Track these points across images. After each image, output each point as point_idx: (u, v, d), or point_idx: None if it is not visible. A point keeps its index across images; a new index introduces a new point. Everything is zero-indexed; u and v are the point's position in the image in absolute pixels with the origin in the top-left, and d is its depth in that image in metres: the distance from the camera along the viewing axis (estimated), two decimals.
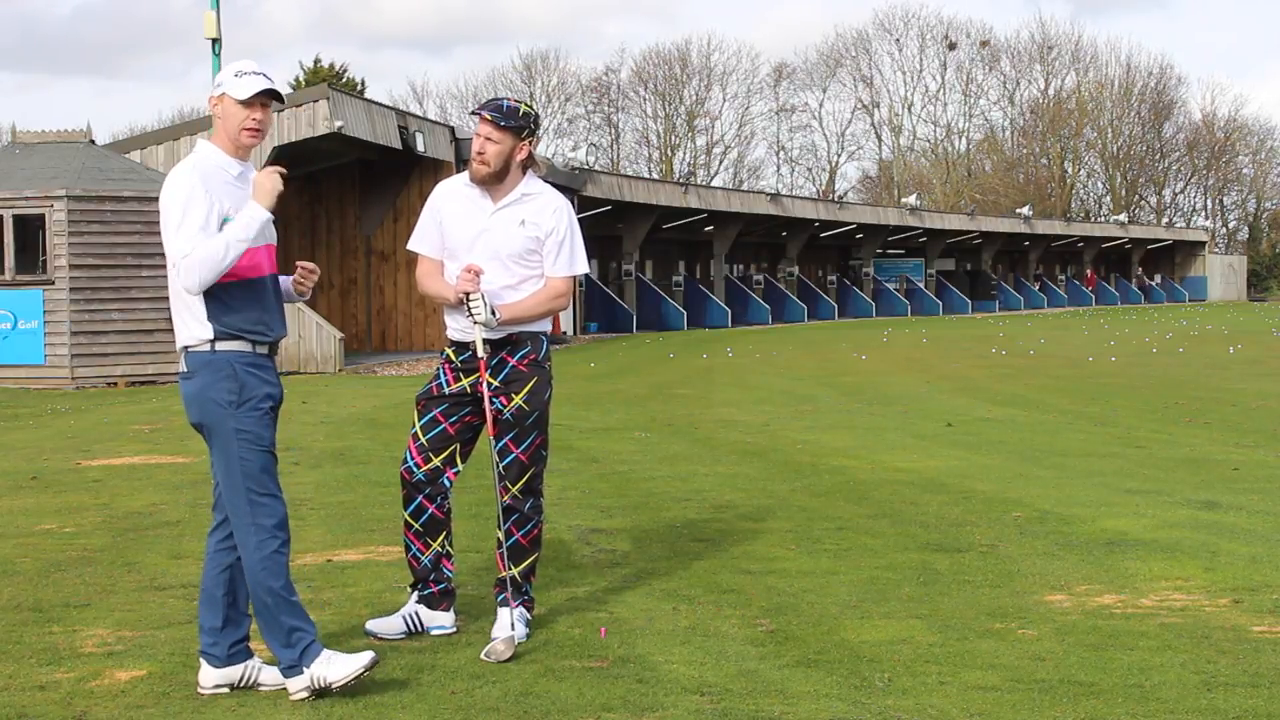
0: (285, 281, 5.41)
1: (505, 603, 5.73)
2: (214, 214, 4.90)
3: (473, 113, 5.80)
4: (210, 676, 5.05)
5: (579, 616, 6.05)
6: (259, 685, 5.07)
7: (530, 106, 5.80)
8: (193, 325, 4.97)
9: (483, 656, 5.40)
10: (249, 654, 5.13)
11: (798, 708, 4.79)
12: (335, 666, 4.90)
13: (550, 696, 4.94)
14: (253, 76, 5.02)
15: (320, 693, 4.90)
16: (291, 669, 4.95)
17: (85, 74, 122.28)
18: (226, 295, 4.97)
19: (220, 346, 4.96)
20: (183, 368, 5.03)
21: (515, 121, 5.68)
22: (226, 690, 5.03)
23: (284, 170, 5.10)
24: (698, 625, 5.89)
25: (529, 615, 5.84)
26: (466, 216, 5.80)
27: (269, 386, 5.09)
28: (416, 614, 5.80)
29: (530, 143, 5.77)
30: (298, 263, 5.37)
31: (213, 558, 5.14)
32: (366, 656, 4.94)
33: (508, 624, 5.62)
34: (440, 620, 5.82)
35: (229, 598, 5.10)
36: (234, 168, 5.03)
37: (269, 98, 5.03)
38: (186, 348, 5.00)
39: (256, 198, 4.98)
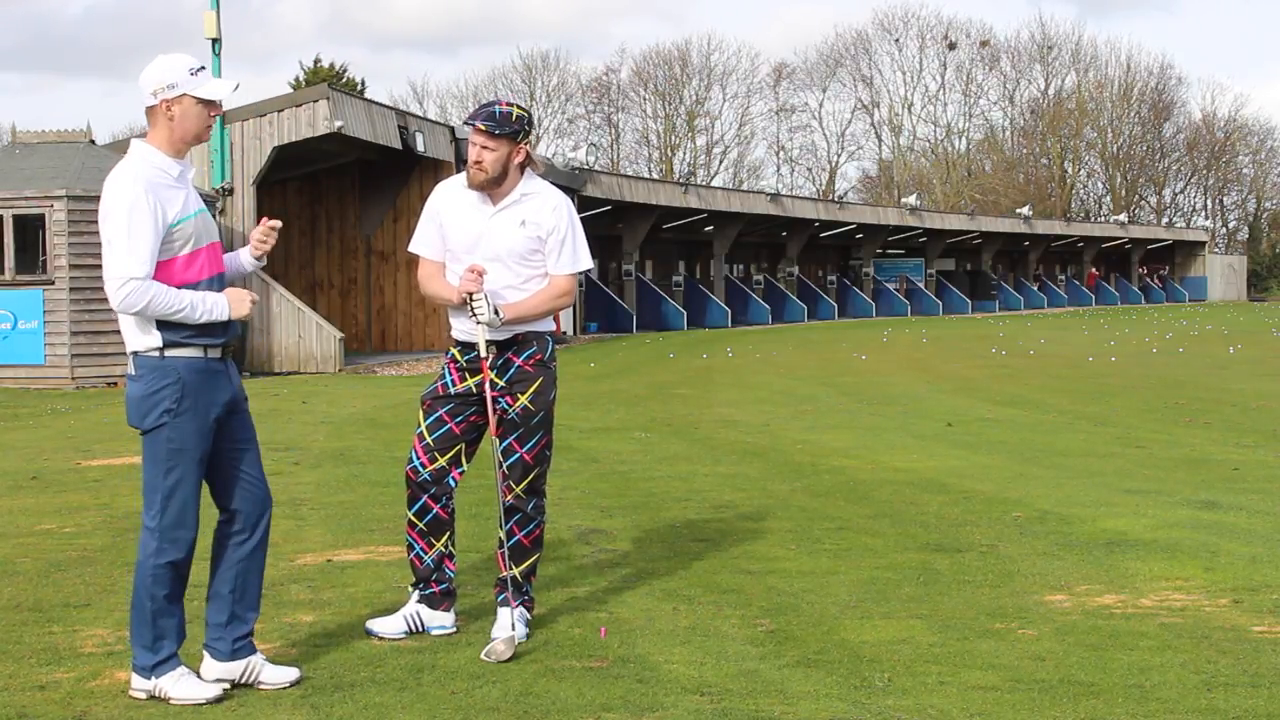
0: (236, 255, 5.29)
1: (505, 603, 5.73)
2: (161, 226, 4.83)
3: (466, 121, 5.79)
4: (213, 670, 5.05)
5: (579, 616, 6.05)
6: (260, 683, 5.07)
7: (524, 109, 5.79)
8: (141, 333, 4.92)
9: (483, 656, 5.41)
10: (253, 649, 5.14)
11: (798, 708, 4.80)
12: (182, 686, 4.92)
13: (550, 696, 4.94)
14: (205, 73, 4.97)
15: (155, 698, 4.94)
16: (142, 670, 4.97)
17: (95, 74, 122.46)
18: None
19: (170, 354, 4.91)
20: (131, 370, 5.01)
21: (509, 128, 5.67)
22: (227, 685, 5.01)
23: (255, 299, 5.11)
24: (698, 625, 5.89)
25: (529, 615, 5.84)
26: (467, 219, 5.79)
27: (219, 392, 5.00)
28: (418, 614, 5.80)
29: (526, 144, 5.78)
30: (263, 221, 5.19)
31: (225, 556, 5.13)
32: (214, 690, 4.93)
33: (508, 624, 5.63)
34: (441, 620, 5.82)
35: (236, 594, 5.10)
36: (174, 169, 4.97)
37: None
38: (136, 352, 4.96)
39: (232, 306, 4.97)
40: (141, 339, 4.93)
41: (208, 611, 5.15)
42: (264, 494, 5.17)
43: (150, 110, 4.97)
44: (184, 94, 4.94)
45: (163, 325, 4.90)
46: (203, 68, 5.00)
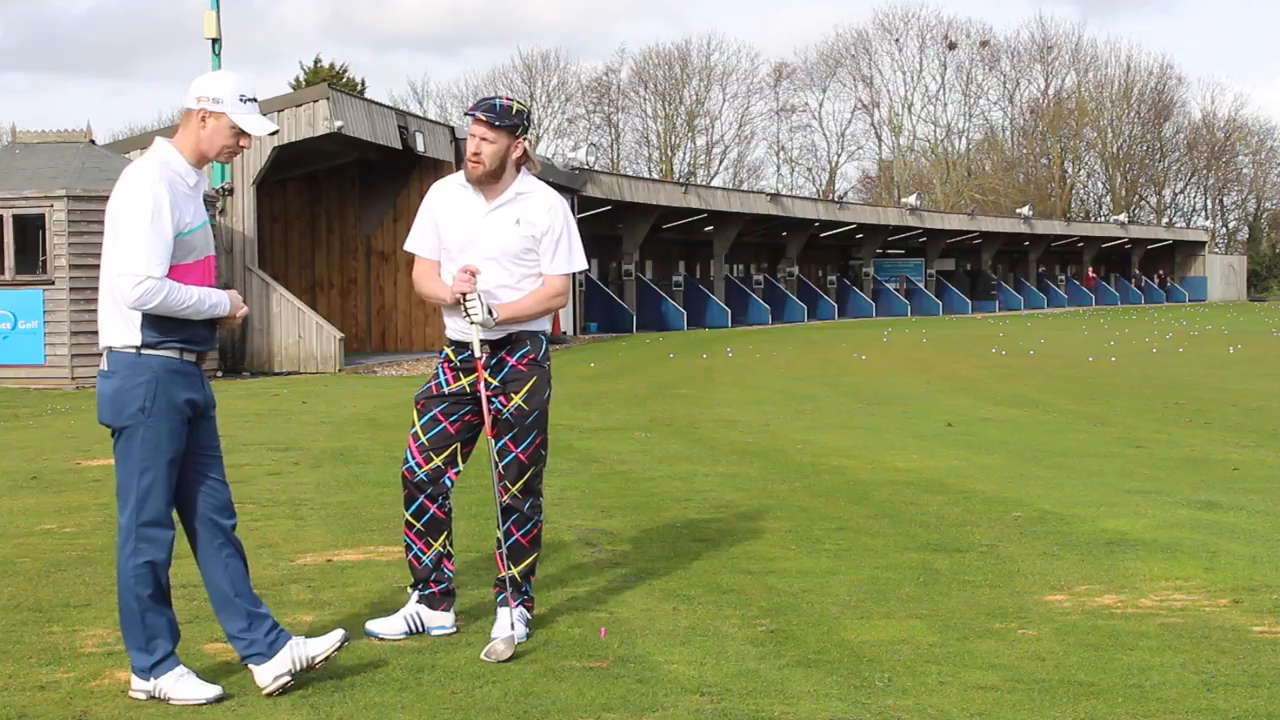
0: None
1: (505, 602, 5.73)
2: (170, 232, 4.84)
3: (466, 113, 5.80)
4: (267, 673, 5.00)
5: (579, 616, 6.05)
6: (316, 660, 5.02)
7: (523, 104, 5.81)
8: (121, 329, 4.92)
9: (483, 656, 5.40)
10: (287, 635, 5.07)
11: (798, 708, 4.79)
12: (182, 686, 4.91)
13: (550, 696, 4.94)
14: (254, 106, 5.01)
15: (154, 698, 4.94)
16: (140, 672, 4.96)
17: (98, 75, 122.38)
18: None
19: (147, 352, 4.91)
20: (104, 366, 5.01)
21: (509, 121, 5.69)
22: (289, 679, 4.98)
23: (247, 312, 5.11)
24: (698, 625, 5.89)
25: (529, 615, 5.84)
26: (462, 217, 5.79)
27: (191, 392, 4.99)
28: (418, 614, 5.80)
29: (524, 140, 5.78)
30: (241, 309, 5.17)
31: (207, 564, 5.09)
32: (214, 690, 4.92)
33: (508, 624, 5.63)
34: (441, 620, 5.82)
35: (240, 595, 5.06)
36: (191, 177, 4.98)
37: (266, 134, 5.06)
38: (110, 348, 4.96)
39: (231, 304, 5.00)
40: (121, 335, 4.93)
41: (225, 626, 5.10)
42: (228, 499, 5.13)
43: (186, 113, 5.00)
44: (223, 114, 4.96)
45: (147, 325, 4.89)
46: (254, 99, 5.02)
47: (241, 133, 5.00)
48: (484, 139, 5.67)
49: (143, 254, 4.80)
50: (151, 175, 4.88)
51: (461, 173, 5.85)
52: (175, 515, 5.08)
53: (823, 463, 11.09)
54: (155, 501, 4.93)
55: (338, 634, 5.11)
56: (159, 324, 4.90)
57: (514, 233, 5.76)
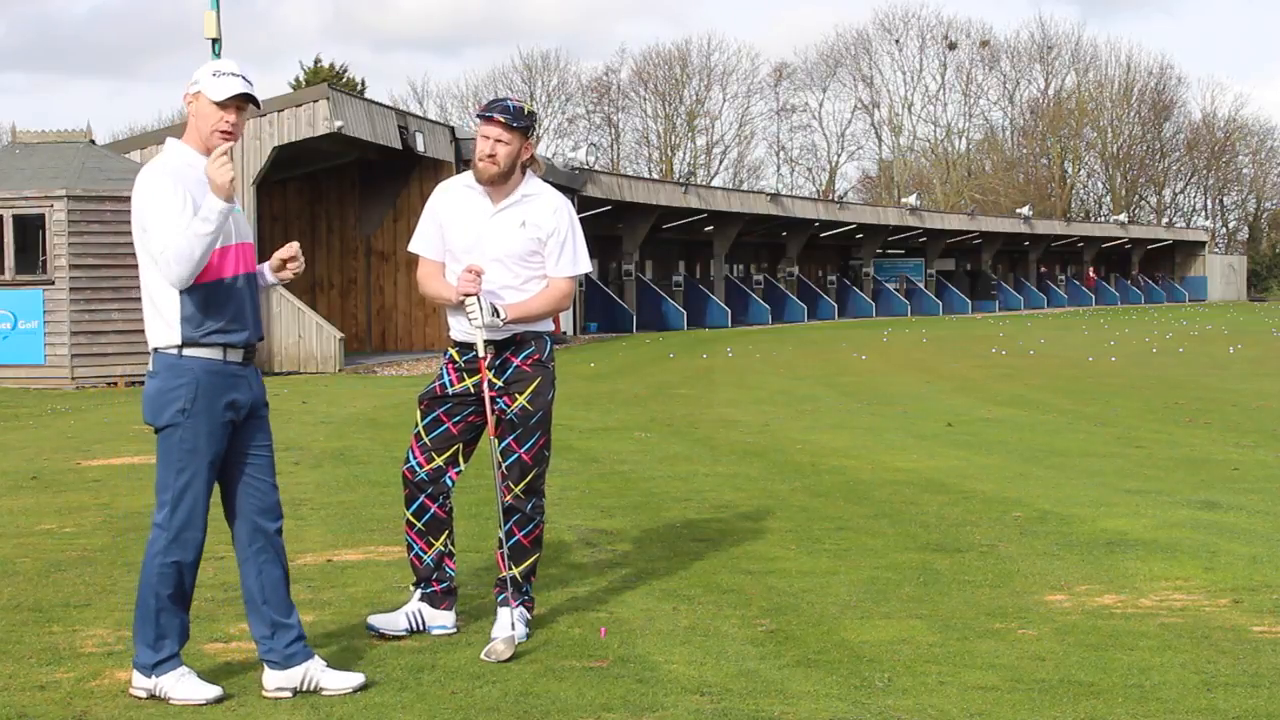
0: (261, 268, 5.26)
1: (505, 603, 5.73)
2: (188, 206, 4.85)
3: (480, 114, 5.78)
4: (272, 680, 5.01)
5: (579, 616, 6.05)
6: (322, 690, 5.00)
7: (531, 107, 5.83)
8: (162, 328, 4.93)
9: (483, 656, 5.41)
10: (308, 654, 5.06)
11: (798, 708, 4.80)
12: (183, 686, 4.91)
13: (550, 696, 4.94)
14: (230, 78, 4.97)
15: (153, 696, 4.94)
16: (143, 668, 4.96)
17: (99, 75, 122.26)
18: (195, 299, 4.89)
19: (188, 352, 4.91)
20: (150, 367, 5.02)
21: (523, 122, 5.71)
22: (289, 694, 4.98)
23: (229, 157, 4.91)
24: (698, 625, 5.89)
25: (529, 615, 5.85)
26: (467, 219, 5.80)
27: (234, 394, 4.97)
28: (419, 612, 5.81)
29: (531, 142, 5.80)
30: (280, 256, 5.18)
31: (242, 566, 5.09)
32: (214, 690, 4.92)
33: (508, 624, 5.63)
34: (442, 620, 5.83)
35: (269, 603, 5.05)
36: (202, 163, 4.97)
37: (245, 101, 4.98)
38: (156, 349, 4.97)
39: (211, 188, 4.87)
40: (162, 335, 4.94)
41: (250, 626, 5.11)
42: (273, 502, 5.12)
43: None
44: (200, 92, 4.98)
45: (184, 320, 4.89)
46: (232, 74, 4.99)
47: (223, 106, 4.95)
48: (499, 140, 5.68)
49: (161, 235, 4.82)
50: (154, 168, 4.95)
51: (466, 174, 5.85)
52: (216, 517, 5.08)
53: (823, 463, 11.10)
54: (190, 503, 4.94)
55: (357, 678, 5.05)
56: (193, 317, 4.89)
57: (520, 235, 5.76)
